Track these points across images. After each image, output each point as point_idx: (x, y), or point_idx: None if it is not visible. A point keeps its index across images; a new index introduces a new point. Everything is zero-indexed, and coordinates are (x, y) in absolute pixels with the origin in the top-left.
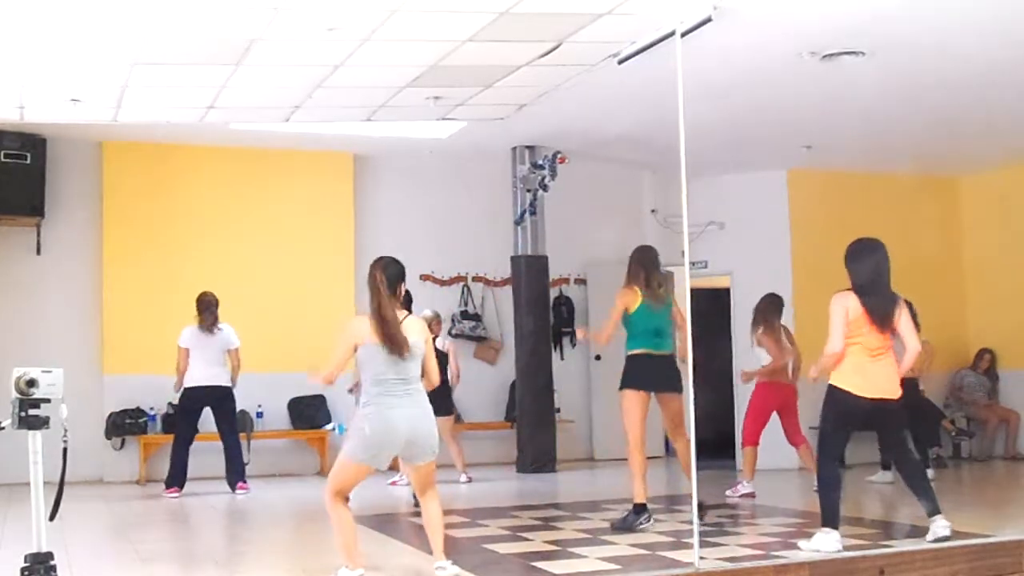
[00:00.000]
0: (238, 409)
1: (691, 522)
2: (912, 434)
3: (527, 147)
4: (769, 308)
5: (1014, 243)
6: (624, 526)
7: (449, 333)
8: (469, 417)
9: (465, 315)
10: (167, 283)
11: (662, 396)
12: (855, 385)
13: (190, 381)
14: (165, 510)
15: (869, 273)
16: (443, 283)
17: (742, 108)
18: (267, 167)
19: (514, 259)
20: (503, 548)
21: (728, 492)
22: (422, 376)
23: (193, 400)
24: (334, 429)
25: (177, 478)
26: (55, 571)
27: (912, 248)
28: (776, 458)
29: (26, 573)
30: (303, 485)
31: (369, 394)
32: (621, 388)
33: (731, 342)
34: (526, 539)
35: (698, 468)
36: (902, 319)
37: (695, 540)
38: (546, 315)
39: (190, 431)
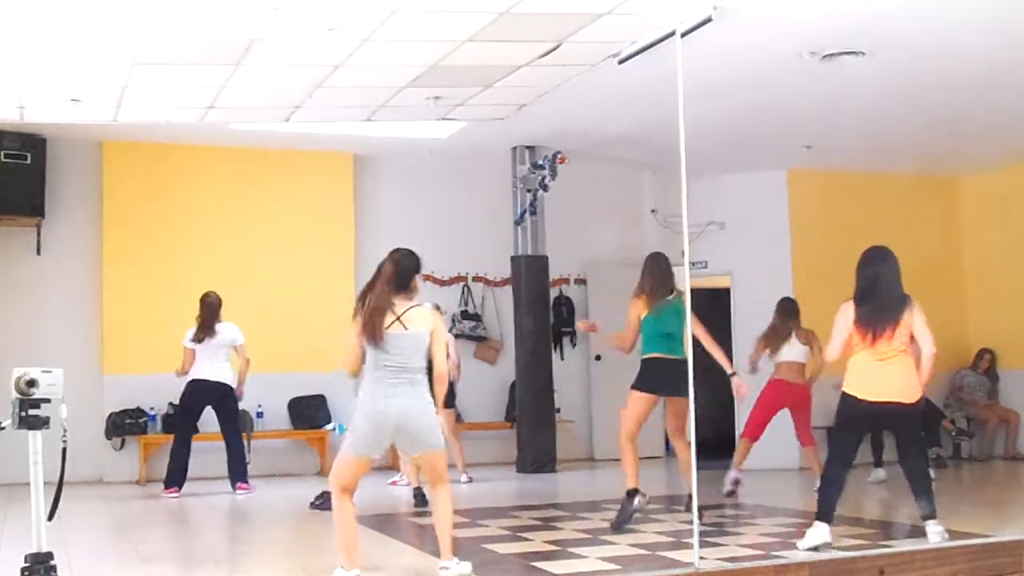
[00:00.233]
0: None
1: (691, 522)
2: None
3: (527, 147)
4: (777, 311)
5: (1014, 243)
6: (622, 518)
7: (449, 332)
8: (469, 417)
9: (465, 315)
10: (167, 283)
11: (671, 399)
12: (858, 389)
13: (192, 375)
14: (165, 510)
15: (866, 282)
16: (443, 283)
17: (742, 108)
18: (267, 167)
19: (514, 259)
20: (503, 548)
21: (723, 490)
22: (428, 368)
23: (194, 395)
24: (334, 429)
25: (176, 478)
26: (55, 571)
27: (912, 248)
28: (776, 458)
29: (26, 573)
30: (303, 485)
31: (364, 383)
32: (631, 387)
33: (731, 342)
34: (526, 539)
35: (698, 468)
36: (916, 322)
37: (695, 540)
38: (546, 315)
39: (190, 429)
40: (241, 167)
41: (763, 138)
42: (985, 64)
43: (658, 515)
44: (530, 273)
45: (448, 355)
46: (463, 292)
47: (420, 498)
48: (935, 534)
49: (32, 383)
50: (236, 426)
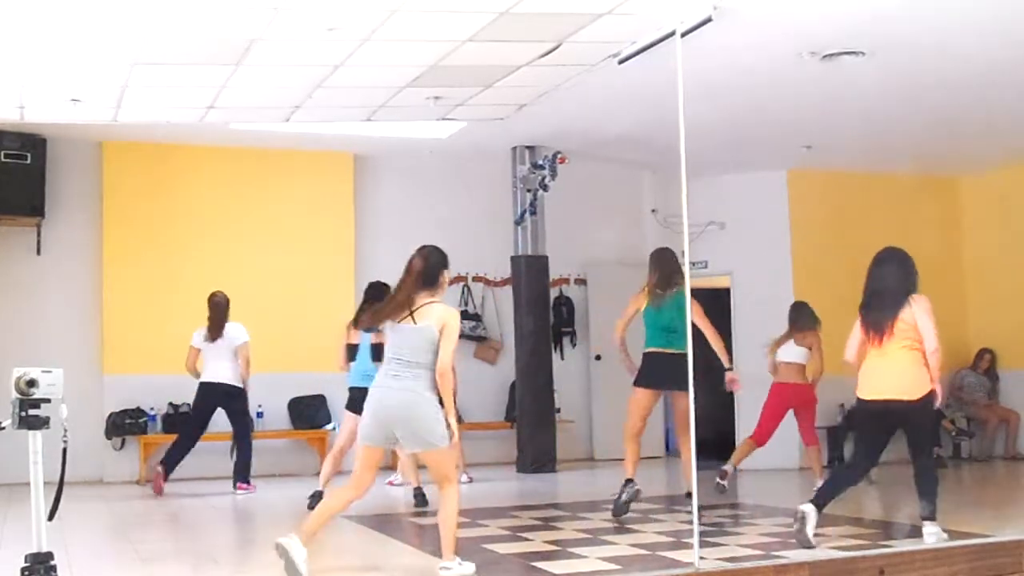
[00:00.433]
0: None
1: (691, 522)
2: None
3: (527, 147)
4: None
5: (1014, 243)
6: (619, 507)
7: None
8: (469, 417)
9: (465, 315)
10: (167, 283)
11: (672, 394)
12: (863, 389)
13: (203, 377)
14: (165, 510)
15: (868, 284)
16: None
17: (742, 108)
18: (267, 167)
19: (514, 259)
20: (503, 548)
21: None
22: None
23: (203, 396)
24: (334, 429)
25: (170, 460)
26: (55, 571)
27: (912, 248)
28: (776, 458)
29: (26, 573)
30: (303, 485)
31: (378, 374)
32: (633, 383)
33: (731, 342)
34: (526, 539)
35: (698, 468)
36: (918, 318)
37: (695, 540)
38: (546, 315)
39: (199, 429)
40: (241, 167)
41: (763, 138)
42: (985, 64)
43: (658, 515)
44: (530, 273)
45: None
46: (463, 292)
47: (420, 498)
48: (931, 535)
49: (32, 383)
50: (242, 428)
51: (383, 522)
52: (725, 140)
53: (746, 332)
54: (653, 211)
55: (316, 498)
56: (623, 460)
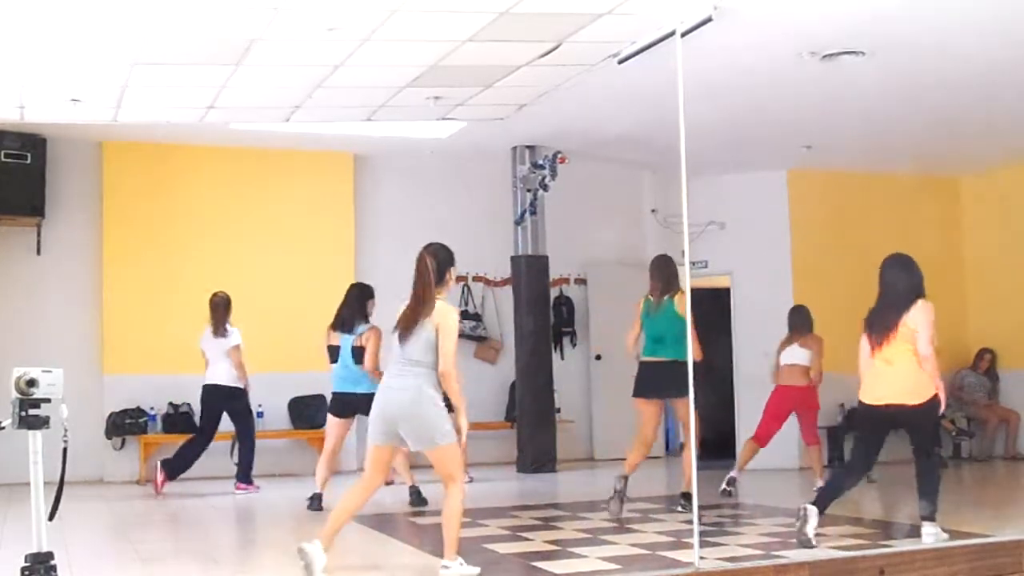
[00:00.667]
0: None
1: (691, 522)
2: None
3: (527, 147)
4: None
5: (1014, 243)
6: (613, 500)
7: None
8: (469, 417)
9: (465, 315)
10: (167, 283)
11: (672, 402)
12: (866, 393)
13: (205, 380)
14: (165, 510)
15: (879, 290)
16: None
17: (742, 108)
18: (267, 167)
19: (514, 259)
20: (503, 548)
21: (720, 489)
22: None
23: (207, 399)
24: None
25: (176, 467)
26: (55, 571)
27: (912, 248)
28: (776, 458)
29: (26, 573)
30: (303, 485)
31: (384, 375)
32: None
33: (731, 342)
34: (526, 539)
35: (698, 468)
36: (917, 322)
37: (695, 540)
38: (546, 315)
39: (212, 432)
40: (241, 167)
41: (763, 138)
42: (985, 64)
43: (658, 515)
44: (530, 273)
45: None
46: (463, 292)
47: (416, 496)
48: (930, 536)
49: (32, 383)
50: (243, 429)
51: (383, 522)
52: (725, 140)
53: (746, 332)
54: (653, 211)
55: (315, 500)
56: (624, 460)
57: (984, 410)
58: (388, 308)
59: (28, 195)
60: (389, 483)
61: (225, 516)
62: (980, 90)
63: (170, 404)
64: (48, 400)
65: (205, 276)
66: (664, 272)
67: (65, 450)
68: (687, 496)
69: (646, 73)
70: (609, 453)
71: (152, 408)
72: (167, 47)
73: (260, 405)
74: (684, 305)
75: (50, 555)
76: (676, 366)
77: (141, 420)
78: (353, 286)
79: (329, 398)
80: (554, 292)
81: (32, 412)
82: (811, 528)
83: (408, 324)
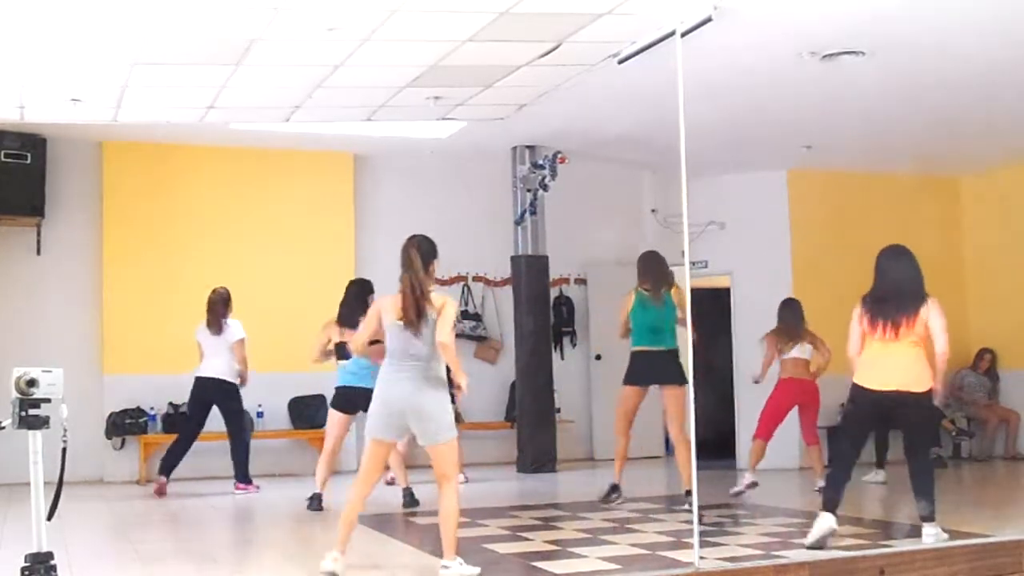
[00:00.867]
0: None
1: (691, 522)
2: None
3: (527, 147)
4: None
5: (1014, 243)
6: (601, 500)
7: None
8: (469, 417)
9: (465, 315)
10: (167, 283)
11: (663, 388)
12: (866, 378)
13: (197, 371)
14: (165, 510)
15: (887, 277)
16: (443, 283)
17: (742, 108)
18: (267, 167)
19: (514, 259)
20: (503, 548)
21: (732, 490)
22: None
23: (196, 391)
24: None
25: (166, 468)
26: (55, 571)
27: (912, 248)
28: (776, 458)
29: (26, 573)
30: (303, 485)
31: (383, 367)
32: (622, 382)
33: (731, 342)
34: (526, 539)
35: (698, 468)
36: (932, 320)
37: (695, 540)
38: (546, 315)
39: (196, 427)
40: (241, 167)
41: (763, 138)
42: (985, 64)
43: (658, 515)
44: (530, 273)
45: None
46: (463, 292)
47: (409, 497)
48: (930, 536)
49: (32, 383)
50: (236, 428)
51: (383, 522)
52: (725, 140)
53: (746, 332)
54: (653, 211)
55: (315, 500)
56: (612, 461)
57: (984, 410)
58: None
59: (28, 195)
60: (390, 483)
61: (225, 516)
62: (980, 90)
63: (170, 404)
64: (48, 400)
65: (205, 276)
66: (659, 267)
67: (65, 450)
68: (689, 494)
69: (646, 73)
70: (609, 453)
71: (152, 408)
72: (167, 47)
73: (260, 405)
74: (680, 297)
75: (50, 555)
76: (673, 355)
77: (141, 420)
78: (352, 283)
79: (328, 399)
80: (554, 292)
81: (32, 412)
82: (830, 534)
83: (417, 316)
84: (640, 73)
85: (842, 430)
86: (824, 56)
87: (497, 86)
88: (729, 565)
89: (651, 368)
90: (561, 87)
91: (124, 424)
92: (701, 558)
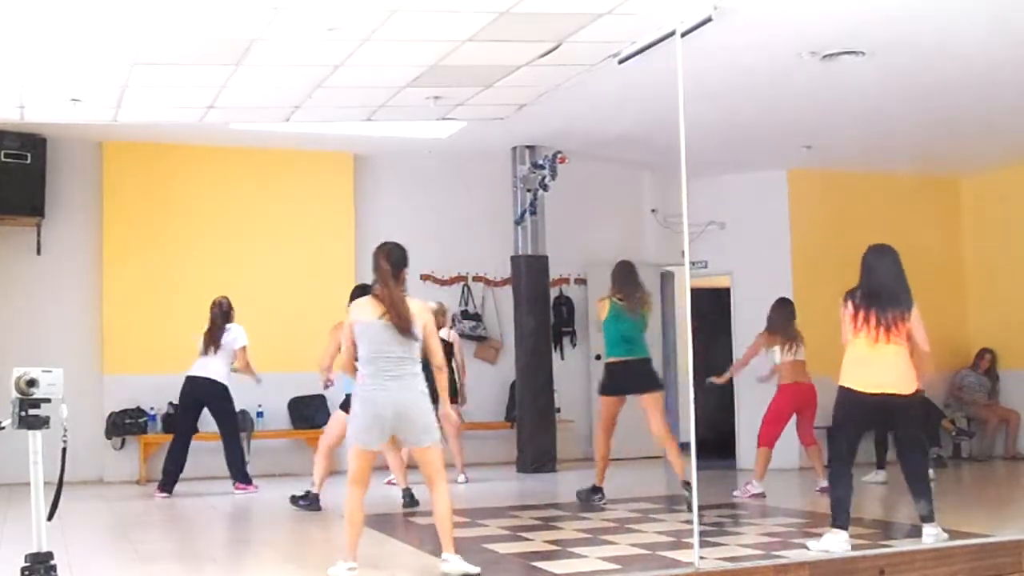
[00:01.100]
0: (238, 409)
1: (691, 522)
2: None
3: (527, 147)
4: (780, 311)
5: (1014, 243)
6: (581, 497)
7: (455, 332)
8: (469, 417)
9: (465, 315)
10: (167, 283)
11: (641, 397)
12: (856, 381)
13: (189, 371)
14: (165, 510)
15: (878, 275)
16: (443, 283)
17: (742, 108)
18: (267, 167)
19: (514, 259)
20: (503, 548)
21: (736, 493)
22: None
23: (188, 391)
24: None
25: (168, 481)
26: (55, 571)
27: (912, 248)
28: (776, 458)
29: (26, 573)
30: (303, 485)
31: (362, 375)
32: (599, 393)
33: (731, 342)
34: (526, 539)
35: (698, 468)
36: (916, 329)
37: (695, 540)
38: (546, 315)
39: (190, 428)
40: (241, 167)
41: (763, 138)
42: (985, 64)
43: (658, 515)
44: (530, 273)
45: (454, 355)
46: (463, 292)
47: (409, 498)
48: (930, 536)
49: (32, 383)
50: (229, 429)
51: (383, 522)
52: (725, 140)
53: (746, 332)
54: (653, 211)
55: (315, 501)
56: (613, 461)
57: (984, 410)
58: None
59: (28, 195)
60: (391, 483)
61: (224, 516)
62: (980, 90)
63: (170, 404)
64: (48, 400)
65: (205, 276)
66: (634, 278)
67: (65, 450)
68: (688, 484)
69: (646, 73)
70: (609, 453)
71: (152, 408)
72: (167, 47)
73: (260, 405)
74: (651, 309)
75: (50, 555)
76: (647, 363)
77: (141, 420)
78: (357, 288)
79: (328, 399)
80: (554, 292)
81: (32, 412)
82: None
83: (405, 323)
84: (640, 73)
85: (835, 434)
86: (824, 56)
87: (497, 86)
88: (729, 565)
89: (629, 378)
90: (561, 87)
91: (124, 424)
92: (701, 558)
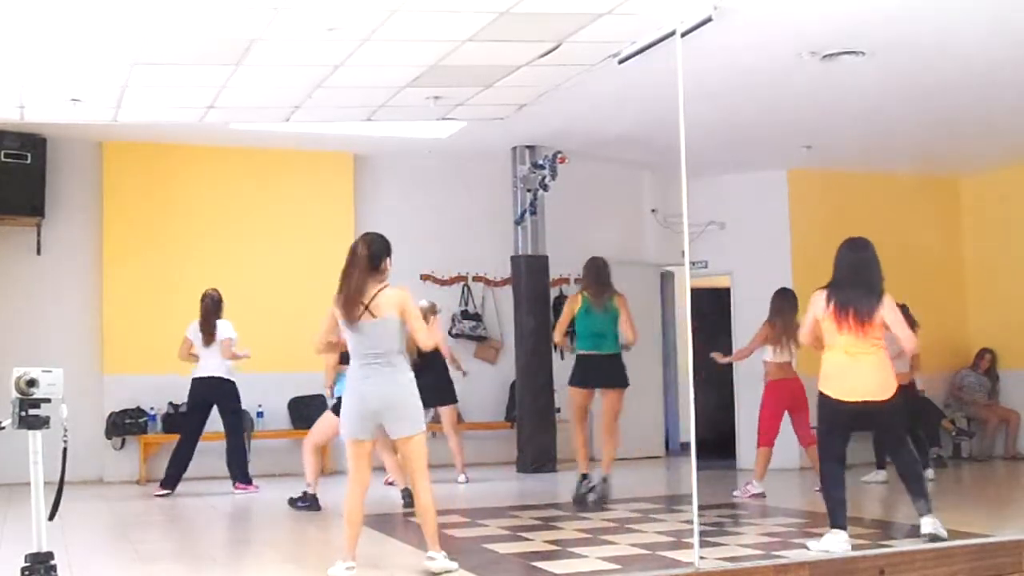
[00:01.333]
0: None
1: (691, 522)
2: (912, 434)
3: (527, 147)
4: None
5: (1014, 243)
6: (576, 496)
7: (449, 333)
8: (469, 417)
9: (465, 315)
10: (167, 283)
11: (605, 393)
12: (834, 389)
13: (195, 373)
14: (165, 510)
15: (853, 268)
16: (443, 283)
17: (742, 108)
18: (267, 167)
19: (514, 259)
20: (503, 548)
21: (736, 493)
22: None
23: (196, 392)
24: None
25: (171, 480)
26: (55, 571)
27: (912, 248)
28: (776, 458)
29: (26, 573)
30: (303, 485)
31: (349, 369)
32: (568, 384)
33: (731, 342)
34: (526, 539)
35: (698, 468)
36: (888, 317)
37: (695, 540)
38: (546, 315)
39: (197, 429)
40: (241, 167)
41: (763, 138)
42: (985, 64)
43: (658, 515)
44: (530, 273)
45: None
46: (463, 292)
47: (409, 498)
48: (928, 525)
49: (32, 383)
50: (233, 427)
51: (381, 521)
52: (725, 140)
53: (746, 332)
54: (653, 211)
55: (314, 502)
56: (617, 460)
57: (984, 410)
58: None
59: (28, 195)
60: (390, 484)
61: (224, 516)
62: (980, 90)
63: (170, 404)
64: (48, 400)
65: (205, 276)
66: (603, 274)
67: (65, 450)
68: (607, 480)
69: (646, 73)
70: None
71: (152, 408)
72: (167, 47)
73: (260, 405)
74: (623, 304)
75: (50, 555)
76: (617, 359)
77: (141, 420)
78: None
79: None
80: (554, 292)
81: (32, 412)
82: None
83: (355, 314)
84: (640, 73)
85: (823, 440)
86: (824, 56)
87: (497, 86)
88: (729, 565)
89: (596, 372)
90: (561, 87)
91: (124, 424)
92: (701, 558)
